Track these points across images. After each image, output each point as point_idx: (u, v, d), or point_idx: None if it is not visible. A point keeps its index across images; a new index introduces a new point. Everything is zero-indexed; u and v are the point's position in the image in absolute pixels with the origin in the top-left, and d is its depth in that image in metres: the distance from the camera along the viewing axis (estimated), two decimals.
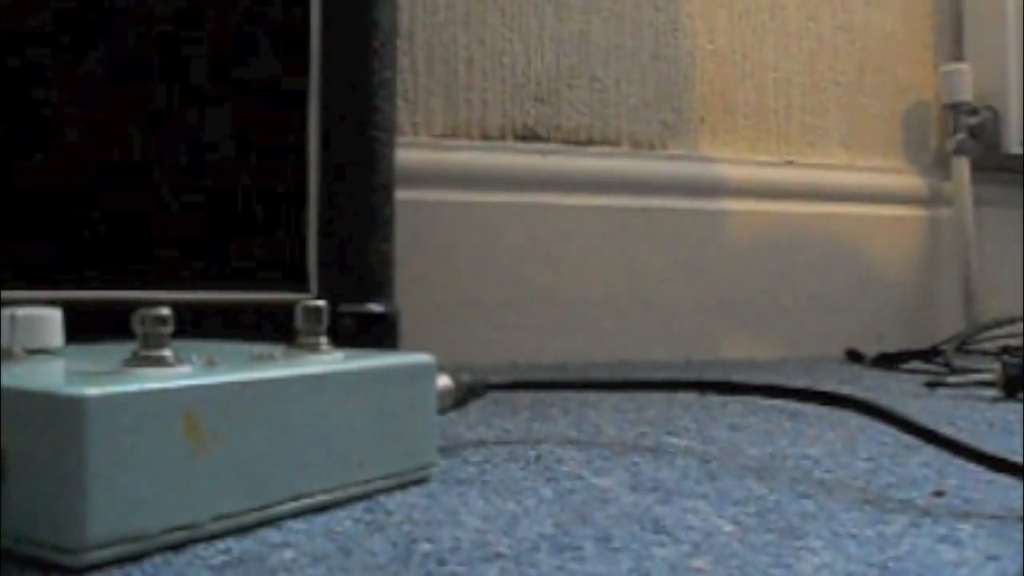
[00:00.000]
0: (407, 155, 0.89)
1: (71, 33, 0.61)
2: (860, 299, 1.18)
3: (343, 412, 0.38)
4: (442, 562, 0.31)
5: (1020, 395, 0.73)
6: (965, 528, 0.35)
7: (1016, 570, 0.30)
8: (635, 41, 1.10)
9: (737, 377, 0.81)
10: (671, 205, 1.09)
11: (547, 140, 1.06)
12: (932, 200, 1.24)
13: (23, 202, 0.59)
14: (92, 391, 0.30)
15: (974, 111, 1.22)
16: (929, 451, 0.49)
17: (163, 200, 0.62)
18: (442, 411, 0.46)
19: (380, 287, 0.68)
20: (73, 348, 0.42)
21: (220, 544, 0.33)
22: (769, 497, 0.40)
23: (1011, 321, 1.07)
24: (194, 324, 0.49)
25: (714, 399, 0.69)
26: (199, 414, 0.32)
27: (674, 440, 0.54)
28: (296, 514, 0.36)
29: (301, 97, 0.66)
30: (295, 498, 0.36)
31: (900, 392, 0.78)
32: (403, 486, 0.41)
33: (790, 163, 1.17)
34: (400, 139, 0.79)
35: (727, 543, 0.33)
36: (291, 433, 0.36)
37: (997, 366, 0.75)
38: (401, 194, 0.72)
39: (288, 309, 0.42)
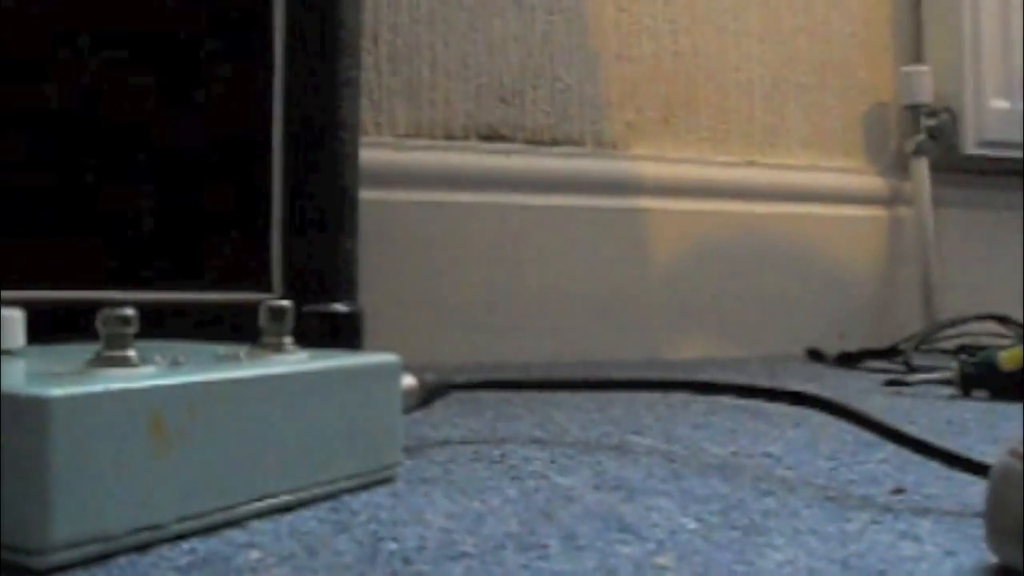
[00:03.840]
0: (371, 155, 0.89)
1: (34, 37, 0.60)
2: (821, 298, 1.19)
3: (308, 412, 0.38)
4: (408, 561, 0.31)
5: (975, 393, 0.74)
6: (924, 524, 0.36)
7: (973, 565, 0.31)
8: (598, 42, 1.10)
9: (700, 376, 0.82)
10: (634, 205, 1.10)
11: (511, 140, 1.06)
12: (892, 200, 1.25)
13: None
14: (56, 392, 0.29)
15: (933, 112, 1.23)
16: (889, 449, 0.49)
17: (126, 201, 0.62)
18: (407, 411, 0.46)
19: (344, 287, 0.68)
20: (35, 348, 0.41)
21: (185, 545, 0.32)
22: (732, 495, 0.41)
23: (968, 320, 1.08)
24: (158, 324, 0.49)
25: (677, 398, 0.70)
26: (163, 414, 0.32)
27: (638, 439, 0.54)
28: (261, 514, 0.36)
29: (265, 96, 0.66)
30: (260, 498, 0.36)
31: (860, 390, 0.79)
32: (368, 486, 0.41)
33: (752, 163, 1.18)
34: (364, 139, 0.78)
35: (691, 540, 0.34)
36: (256, 433, 0.36)
37: (954, 365, 0.76)
38: (365, 194, 0.72)
39: (252, 309, 0.42)
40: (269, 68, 0.66)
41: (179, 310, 0.62)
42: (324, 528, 0.35)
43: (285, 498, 0.37)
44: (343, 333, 0.66)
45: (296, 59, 0.67)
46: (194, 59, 0.64)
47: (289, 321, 0.41)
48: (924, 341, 1.06)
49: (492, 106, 1.05)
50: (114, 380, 0.32)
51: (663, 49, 1.14)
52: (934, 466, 0.44)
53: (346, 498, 0.39)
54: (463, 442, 0.53)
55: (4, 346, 0.39)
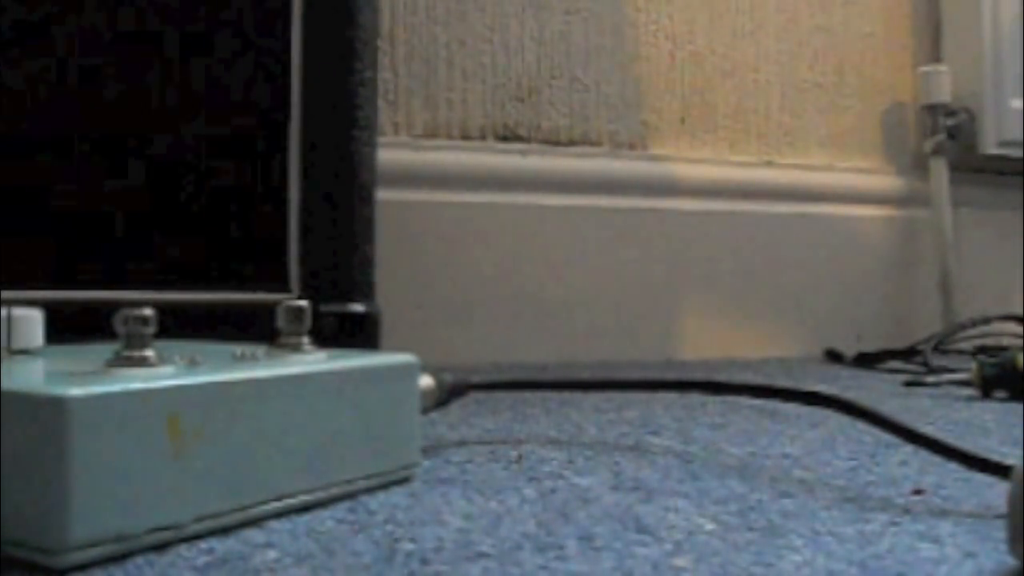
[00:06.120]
0: (388, 155, 0.89)
1: (50, 37, 0.60)
2: (839, 299, 1.19)
3: (326, 412, 0.38)
4: (425, 561, 0.31)
5: (996, 394, 0.74)
6: (944, 526, 0.36)
7: (993, 567, 0.31)
8: (615, 42, 1.10)
9: (718, 377, 0.82)
10: (651, 205, 1.09)
11: (527, 140, 1.06)
12: (910, 200, 1.25)
13: (5, 204, 0.59)
14: (74, 391, 0.29)
15: (952, 112, 1.22)
16: (907, 450, 0.49)
17: (145, 201, 0.62)
18: (424, 411, 0.46)
19: (361, 287, 0.68)
20: (54, 348, 0.41)
21: (203, 544, 0.33)
22: (750, 496, 0.40)
23: (987, 321, 1.08)
24: (176, 324, 0.49)
25: (695, 399, 0.70)
26: (181, 414, 0.32)
27: (655, 439, 0.54)
28: (279, 514, 0.36)
29: (283, 97, 0.66)
30: (278, 498, 0.36)
31: (879, 391, 0.79)
32: (386, 486, 0.41)
33: (769, 163, 1.18)
34: (381, 139, 0.79)
35: (708, 542, 0.33)
36: (274, 433, 0.36)
37: (974, 366, 0.76)
38: (382, 194, 0.72)
39: (270, 309, 0.42)
40: (287, 68, 0.66)
41: (197, 310, 0.63)
42: (341, 528, 0.35)
43: (302, 498, 0.37)
44: (360, 333, 0.66)
45: (313, 59, 0.67)
46: (212, 60, 0.64)
47: (307, 321, 0.41)
48: (943, 342, 1.06)
49: (509, 106, 1.05)
50: (132, 380, 0.32)
51: (680, 49, 1.14)
52: (954, 467, 0.43)
53: (364, 498, 0.39)
54: (480, 442, 0.53)
55: (23, 346, 0.39)
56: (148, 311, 0.34)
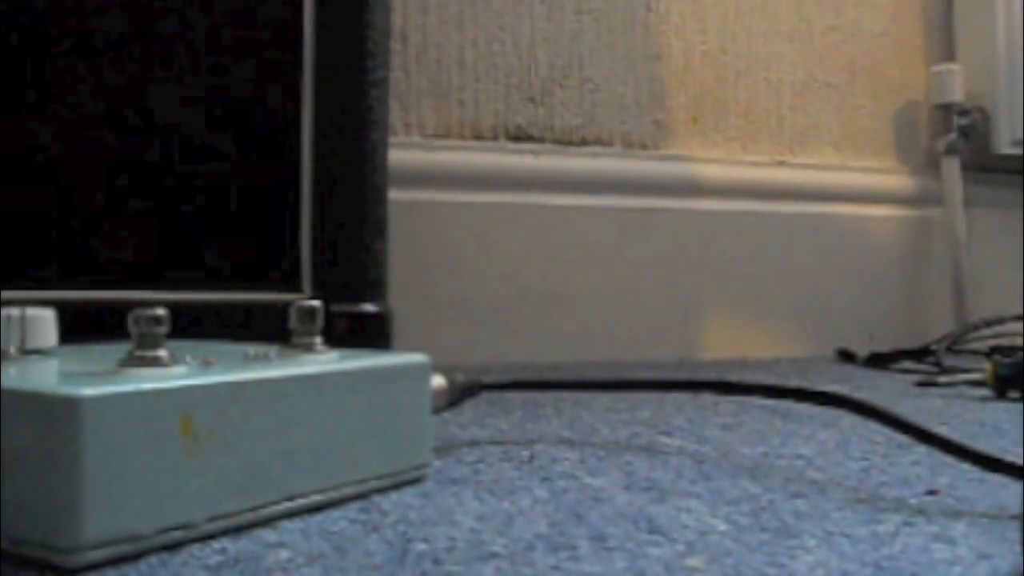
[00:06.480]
0: (400, 155, 0.89)
1: (58, 34, 0.61)
2: (851, 299, 1.18)
3: (338, 412, 0.38)
4: (438, 562, 0.31)
5: (1010, 394, 0.73)
6: (958, 527, 0.36)
7: (1008, 568, 0.30)
8: (627, 41, 1.10)
9: (730, 377, 0.81)
10: (663, 205, 1.09)
11: (539, 140, 1.06)
12: (923, 200, 1.24)
13: (17, 203, 0.59)
14: (87, 391, 0.30)
15: (964, 111, 1.22)
16: (921, 450, 0.49)
17: (157, 201, 0.62)
18: (436, 411, 0.46)
19: (373, 287, 0.68)
20: (67, 348, 0.42)
21: (215, 544, 0.33)
22: (763, 496, 0.40)
23: (1001, 321, 1.07)
24: (189, 325, 0.49)
25: (707, 399, 0.69)
26: (194, 414, 0.32)
27: (667, 440, 0.54)
28: (291, 514, 0.36)
29: (294, 97, 0.66)
30: (290, 498, 0.36)
31: (892, 392, 0.78)
32: (398, 486, 0.41)
33: (782, 163, 1.17)
34: (392, 139, 0.79)
35: (721, 542, 0.33)
36: (286, 433, 0.36)
37: (987, 366, 0.75)
38: (394, 194, 0.72)
39: (282, 309, 0.42)
40: (299, 68, 0.66)
41: (210, 310, 0.63)
42: (354, 528, 0.35)
43: (315, 498, 0.37)
44: (372, 333, 0.66)
45: (325, 59, 0.67)
46: (224, 61, 0.64)
47: (319, 321, 0.41)
48: (956, 342, 1.05)
49: (521, 106, 1.05)
50: (145, 380, 0.32)
51: (692, 49, 1.13)
52: (967, 468, 0.43)
53: (376, 498, 0.39)
54: (492, 442, 0.53)
55: (36, 346, 0.40)
56: (161, 311, 0.34)
